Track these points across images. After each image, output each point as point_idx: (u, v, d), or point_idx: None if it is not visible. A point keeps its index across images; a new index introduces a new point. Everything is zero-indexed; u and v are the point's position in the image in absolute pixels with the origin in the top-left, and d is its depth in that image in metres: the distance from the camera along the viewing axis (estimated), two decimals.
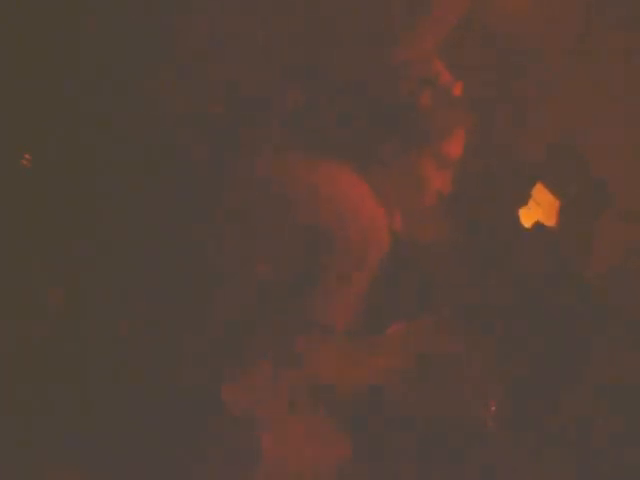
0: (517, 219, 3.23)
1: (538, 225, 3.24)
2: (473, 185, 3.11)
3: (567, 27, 3.24)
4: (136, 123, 2.84)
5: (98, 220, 2.79)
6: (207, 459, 2.39)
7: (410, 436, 2.74)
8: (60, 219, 2.78)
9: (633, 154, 3.26)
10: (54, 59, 2.83)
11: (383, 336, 2.73)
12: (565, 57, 3.25)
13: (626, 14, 3.24)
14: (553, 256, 3.15)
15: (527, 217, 3.26)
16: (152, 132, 2.86)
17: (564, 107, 3.26)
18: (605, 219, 3.22)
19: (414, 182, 2.50)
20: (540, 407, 2.91)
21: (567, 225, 3.22)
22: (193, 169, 2.79)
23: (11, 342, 2.59)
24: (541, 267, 3.10)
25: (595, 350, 3.01)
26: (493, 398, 2.80)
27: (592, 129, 3.25)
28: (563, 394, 2.94)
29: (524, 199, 3.25)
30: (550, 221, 3.25)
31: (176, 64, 2.92)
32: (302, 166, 2.44)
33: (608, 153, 3.24)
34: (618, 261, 3.16)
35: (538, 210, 3.27)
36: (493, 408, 2.79)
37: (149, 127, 2.86)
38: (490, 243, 3.15)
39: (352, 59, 2.97)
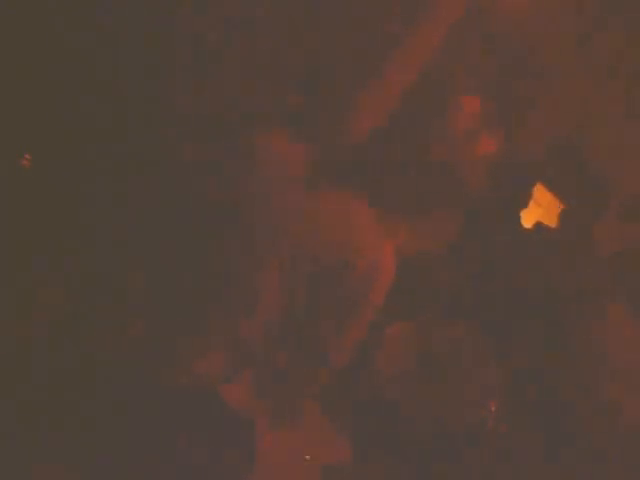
0: (517, 219, 3.23)
1: (538, 225, 3.24)
2: (473, 186, 3.11)
3: (567, 27, 3.25)
4: (136, 123, 2.85)
5: (98, 220, 2.79)
6: (206, 459, 2.39)
7: (410, 436, 2.74)
8: (60, 219, 2.78)
9: (633, 154, 3.26)
10: (54, 59, 2.83)
11: (383, 336, 2.73)
12: (565, 57, 3.25)
13: (626, 14, 3.24)
14: (553, 256, 3.15)
15: (528, 218, 3.26)
16: (152, 133, 2.87)
17: (564, 107, 3.27)
18: (605, 219, 3.23)
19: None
20: (540, 407, 2.90)
21: (567, 225, 3.23)
22: (193, 169, 2.79)
23: (11, 342, 2.59)
24: (541, 267, 3.10)
25: (595, 350, 3.01)
26: (493, 398, 2.80)
27: (592, 129, 3.25)
28: (563, 394, 2.94)
29: (525, 200, 3.25)
30: (551, 222, 3.25)
31: (177, 65, 2.92)
32: (305, 194, 2.44)
33: (608, 153, 3.24)
34: (618, 261, 3.16)
35: (539, 210, 3.27)
36: (493, 408, 2.79)
37: (149, 128, 2.87)
38: (490, 243, 3.15)
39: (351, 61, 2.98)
